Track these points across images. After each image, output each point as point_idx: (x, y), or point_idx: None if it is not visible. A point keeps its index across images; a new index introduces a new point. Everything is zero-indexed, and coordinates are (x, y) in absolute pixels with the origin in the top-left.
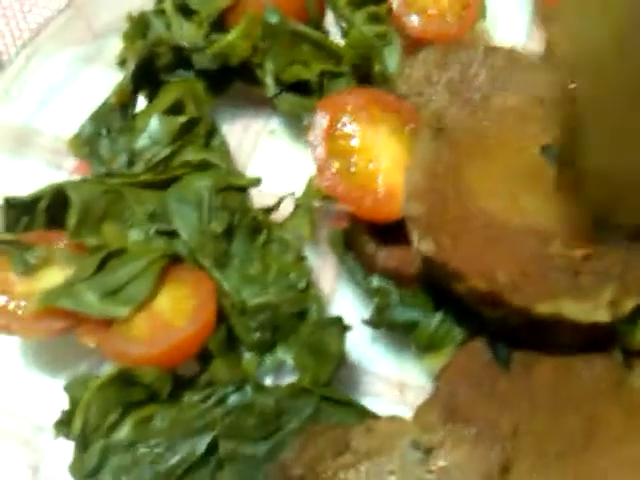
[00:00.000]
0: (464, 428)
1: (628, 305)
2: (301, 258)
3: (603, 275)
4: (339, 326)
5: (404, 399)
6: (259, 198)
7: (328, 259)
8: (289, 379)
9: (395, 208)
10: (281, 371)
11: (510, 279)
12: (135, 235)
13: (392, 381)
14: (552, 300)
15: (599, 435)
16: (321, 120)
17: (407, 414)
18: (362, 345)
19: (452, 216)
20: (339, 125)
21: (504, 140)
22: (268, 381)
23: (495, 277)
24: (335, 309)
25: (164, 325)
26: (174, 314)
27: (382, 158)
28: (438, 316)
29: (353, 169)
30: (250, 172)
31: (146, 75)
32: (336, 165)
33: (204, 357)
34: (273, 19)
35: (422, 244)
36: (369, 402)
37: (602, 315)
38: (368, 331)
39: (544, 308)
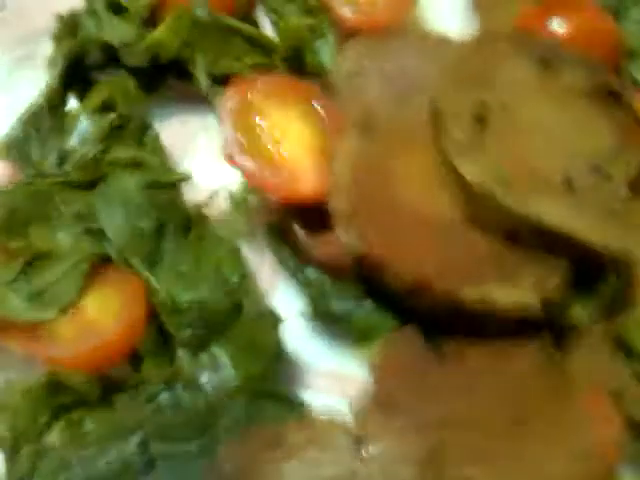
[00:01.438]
0: (394, 417)
1: (551, 287)
2: (235, 253)
3: (528, 259)
4: (272, 319)
5: (343, 391)
6: (194, 193)
7: (266, 253)
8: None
9: (300, 189)
10: (219, 368)
11: (435, 267)
12: (63, 236)
13: (331, 373)
14: (477, 285)
15: (529, 420)
16: (230, 99)
17: (344, 405)
18: (300, 338)
19: (377, 209)
20: (248, 102)
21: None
22: (205, 379)
23: (420, 265)
24: (274, 303)
25: (91, 326)
26: (101, 315)
27: (290, 140)
28: (371, 305)
29: (260, 148)
30: (186, 168)
31: (76, 75)
32: (243, 142)
33: (135, 358)
34: (201, 13)
35: (347, 236)
36: (308, 396)
37: (527, 298)
38: (307, 324)
39: (470, 294)
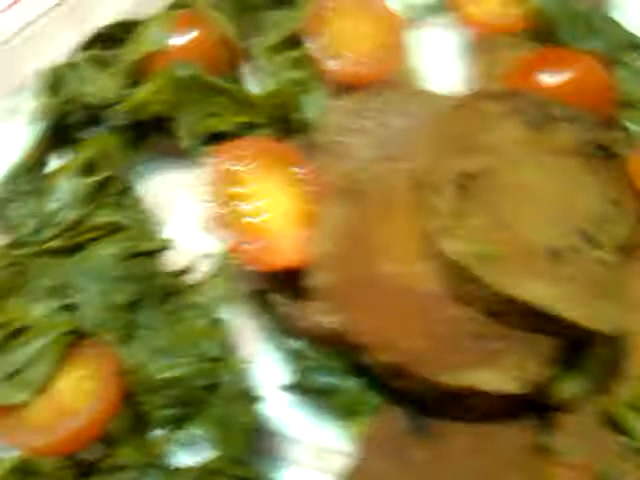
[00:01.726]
0: None
1: (535, 365)
2: (216, 322)
3: (509, 338)
4: (250, 398)
5: (324, 465)
6: (175, 258)
7: (250, 321)
8: (207, 455)
9: (278, 260)
10: (196, 447)
11: (414, 350)
12: (39, 310)
13: (311, 447)
14: (455, 370)
15: None
16: (212, 165)
17: None
18: (282, 411)
19: (358, 283)
20: (227, 174)
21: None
22: (184, 458)
23: (399, 348)
24: (257, 373)
25: (64, 410)
26: (75, 397)
27: (270, 209)
28: (355, 381)
29: (241, 216)
30: (168, 228)
31: (59, 133)
32: (221, 212)
33: (110, 439)
34: (184, 73)
35: (327, 316)
36: (288, 471)
37: (507, 385)
38: (290, 397)
39: (448, 378)
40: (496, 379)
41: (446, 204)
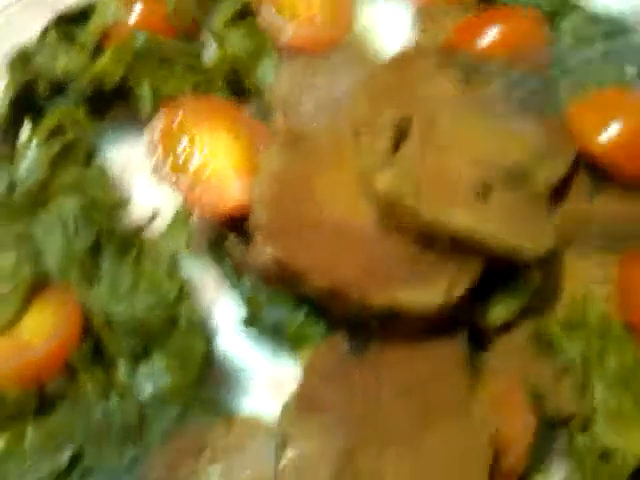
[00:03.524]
0: (315, 418)
1: (460, 288)
2: (173, 268)
3: (440, 261)
4: (204, 330)
5: (279, 395)
6: (139, 213)
7: (208, 269)
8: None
9: (225, 204)
10: (155, 378)
11: (350, 275)
12: (6, 259)
13: (268, 378)
14: (387, 291)
15: (436, 418)
16: (161, 116)
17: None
18: (240, 347)
19: (297, 222)
20: (178, 123)
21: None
22: (143, 389)
23: (336, 274)
24: (218, 314)
25: (25, 345)
26: (37, 335)
27: (217, 158)
28: (303, 313)
29: (189, 165)
30: (134, 190)
31: (27, 105)
32: (170, 160)
33: (73, 371)
34: (141, 42)
35: (265, 250)
36: (245, 401)
37: (434, 299)
38: (246, 332)
39: (380, 299)
40: (422, 295)
41: (381, 145)
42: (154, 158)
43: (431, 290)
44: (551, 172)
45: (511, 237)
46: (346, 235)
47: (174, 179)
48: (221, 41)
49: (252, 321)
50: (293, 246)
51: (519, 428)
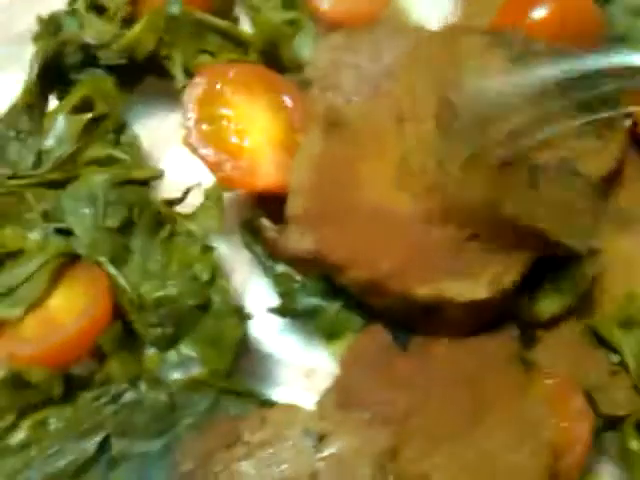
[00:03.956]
0: (357, 412)
1: (507, 281)
2: (207, 249)
3: (486, 253)
4: (239, 315)
5: (312, 386)
6: (169, 191)
7: (241, 249)
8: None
9: (259, 182)
10: (189, 366)
11: (391, 266)
12: (33, 235)
13: (300, 368)
14: (431, 282)
15: (488, 415)
16: (197, 83)
17: (314, 400)
18: (271, 334)
19: (335, 211)
20: (215, 91)
21: (402, 125)
22: (173, 376)
23: (376, 266)
24: (248, 300)
25: (53, 324)
26: (66, 313)
27: (253, 132)
28: (338, 302)
29: (222, 138)
30: (163, 166)
31: (55, 75)
32: (204, 128)
33: (102, 356)
34: (176, 10)
35: (301, 241)
36: (277, 392)
37: (480, 293)
38: (277, 320)
39: (424, 291)
40: (468, 288)
41: (428, 133)
42: (187, 126)
43: (476, 282)
44: (600, 164)
45: (555, 229)
46: (387, 225)
47: (206, 152)
48: (257, 12)
49: (284, 310)
50: (331, 236)
51: (576, 428)
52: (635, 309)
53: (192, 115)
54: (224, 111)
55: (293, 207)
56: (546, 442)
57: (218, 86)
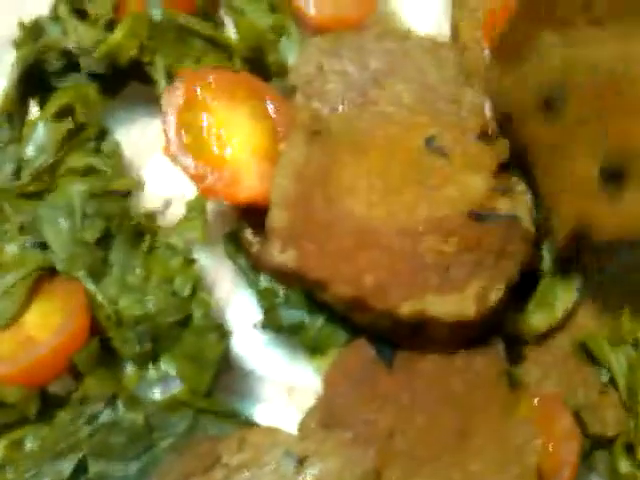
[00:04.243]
0: (340, 432)
1: (493, 295)
2: (189, 263)
3: (472, 267)
4: (220, 332)
5: (295, 403)
6: (150, 200)
7: (223, 262)
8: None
9: (240, 193)
10: (168, 383)
11: (376, 282)
12: (11, 249)
13: (282, 385)
14: (415, 298)
15: (473, 435)
16: (176, 88)
17: (297, 418)
18: (253, 349)
19: (317, 224)
20: (195, 97)
21: (388, 135)
22: (154, 394)
23: (359, 282)
24: (231, 313)
25: (29, 341)
26: (41, 330)
27: (236, 141)
28: (323, 316)
29: (203, 146)
30: (145, 173)
31: (36, 82)
32: (185, 137)
33: (78, 373)
34: (157, 15)
35: (282, 256)
36: (258, 409)
37: (467, 309)
38: (260, 335)
39: (408, 308)
40: (454, 304)
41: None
42: (167, 135)
43: (462, 298)
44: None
45: None
46: (371, 240)
47: (188, 163)
48: (241, 15)
49: (268, 326)
50: (313, 252)
51: (564, 449)
52: (626, 326)
53: (172, 121)
54: (205, 118)
55: (274, 220)
56: (533, 465)
57: (198, 91)
